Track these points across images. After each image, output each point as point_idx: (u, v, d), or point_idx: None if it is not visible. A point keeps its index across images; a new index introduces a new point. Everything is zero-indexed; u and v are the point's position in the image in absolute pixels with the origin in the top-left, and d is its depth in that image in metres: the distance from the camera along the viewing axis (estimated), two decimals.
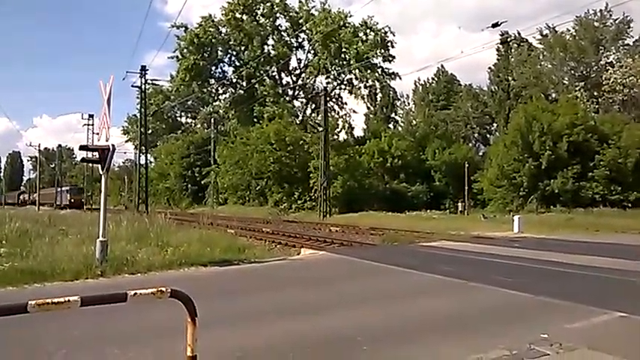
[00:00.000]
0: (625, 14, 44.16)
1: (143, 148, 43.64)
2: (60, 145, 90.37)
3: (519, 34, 49.35)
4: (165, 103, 67.50)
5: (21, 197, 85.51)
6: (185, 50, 59.45)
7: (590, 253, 13.70)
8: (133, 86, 42.31)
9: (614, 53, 45.65)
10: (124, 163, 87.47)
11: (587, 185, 33.68)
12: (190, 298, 2.92)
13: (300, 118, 61.22)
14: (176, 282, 7.43)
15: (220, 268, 11.33)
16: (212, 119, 61.48)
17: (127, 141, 75.51)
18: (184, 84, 60.35)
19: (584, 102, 41.80)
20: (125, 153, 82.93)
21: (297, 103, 64.52)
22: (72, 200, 60.72)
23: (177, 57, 60.11)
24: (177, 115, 77.00)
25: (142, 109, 43.84)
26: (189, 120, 77.59)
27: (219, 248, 12.69)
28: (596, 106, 42.46)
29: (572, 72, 47.14)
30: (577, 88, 43.76)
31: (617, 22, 44.57)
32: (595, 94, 43.19)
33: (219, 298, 8.06)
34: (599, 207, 31.34)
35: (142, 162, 44.35)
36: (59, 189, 68.19)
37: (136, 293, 2.79)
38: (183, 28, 59.75)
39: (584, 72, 46.47)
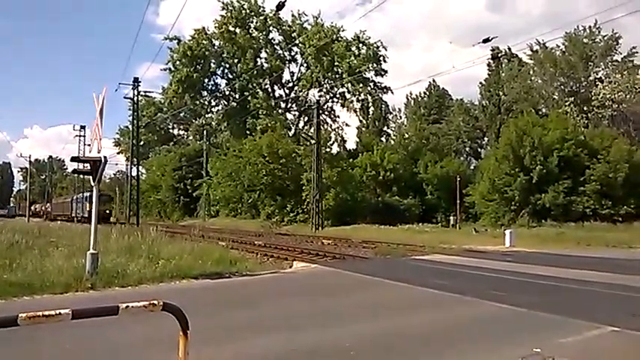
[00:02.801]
0: (614, 31, 44.88)
1: (135, 159, 43.49)
2: (51, 157, 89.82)
3: (510, 49, 49.82)
4: (157, 115, 67.43)
5: (32, 208, 74.71)
6: (178, 62, 59.55)
7: (582, 267, 13.75)
8: (125, 98, 42.31)
9: (603, 69, 46.23)
10: (115, 174, 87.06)
11: (577, 199, 33.89)
12: (182, 311, 2.89)
13: (293, 130, 61.38)
14: (167, 295, 7.37)
15: (212, 281, 11.26)
16: (204, 131, 61.49)
17: (118, 153, 75.42)
18: (177, 96, 60.36)
19: (574, 117, 42.22)
20: (117, 165, 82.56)
21: (289, 116, 64.80)
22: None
23: (169, 69, 60.27)
24: (169, 127, 76.93)
25: (134, 121, 43.78)
26: (181, 132, 77.60)
27: (211, 261, 12.60)
28: (586, 121, 42.87)
29: (562, 87, 47.67)
30: (567, 103, 44.21)
31: (605, 38, 45.20)
32: (585, 109, 43.62)
33: (211, 311, 8.00)
34: (589, 221, 31.50)
35: (134, 174, 44.22)
36: (75, 197, 56.99)
37: (127, 306, 2.77)
38: (176, 41, 59.98)
39: (574, 87, 47.00)
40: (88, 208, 46.45)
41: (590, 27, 45.06)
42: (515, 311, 8.01)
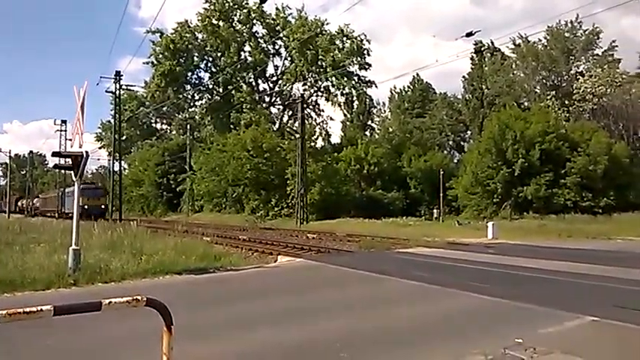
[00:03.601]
0: (595, 25, 45.46)
1: (117, 154, 43.08)
2: (31, 152, 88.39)
3: (492, 43, 50.36)
4: (139, 109, 66.71)
5: (19, 204, 73.88)
6: (160, 56, 58.88)
7: (563, 258, 13.96)
8: (107, 92, 41.82)
9: (584, 63, 46.81)
10: (97, 170, 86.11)
11: (559, 192, 34.33)
12: (166, 306, 2.88)
13: (277, 125, 61.15)
14: (151, 290, 7.33)
15: (196, 277, 11.21)
16: (188, 125, 60.95)
17: (100, 147, 74.45)
18: (159, 90, 59.72)
19: (555, 110, 42.69)
20: (99, 160, 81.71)
21: (274, 110, 64.53)
22: (87, 207, 41.53)
23: (152, 62, 59.52)
24: (152, 121, 76.15)
25: (116, 115, 43.31)
26: (164, 126, 76.83)
27: (195, 256, 12.56)
28: (567, 115, 43.39)
29: (544, 81, 48.17)
30: (549, 97, 44.69)
31: (586, 32, 45.74)
32: (566, 102, 44.15)
33: (195, 306, 7.97)
34: (570, 213, 31.95)
35: (116, 169, 43.78)
36: (65, 190, 50.96)
37: (110, 302, 2.74)
38: (159, 34, 59.27)
39: (556, 81, 47.53)
40: (81, 203, 41.01)
41: (571, 21, 45.64)
42: (497, 302, 8.12)
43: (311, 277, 11.92)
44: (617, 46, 46.28)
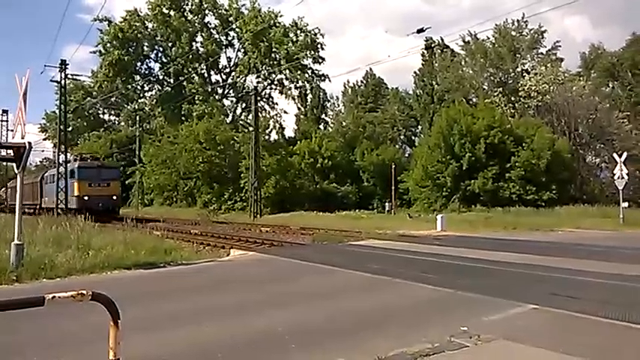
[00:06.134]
0: (540, 25, 47.15)
1: (62, 146, 41.40)
2: None
3: (442, 40, 51.40)
4: (86, 100, 64.35)
5: None
6: (108, 45, 56.95)
7: (507, 249, 14.47)
8: (51, 81, 40.00)
9: (529, 61, 48.41)
10: (41, 162, 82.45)
11: (504, 185, 35.48)
12: (112, 300, 2.85)
13: (231, 117, 60.43)
14: (98, 285, 7.15)
15: (145, 271, 11.02)
16: (137, 117, 59.31)
17: (45, 139, 71.52)
18: (107, 80, 57.82)
19: (501, 106, 44.07)
20: (43, 151, 78.19)
21: (227, 102, 63.64)
22: (86, 197, 30.35)
23: (99, 51, 57.46)
24: (99, 112, 73.55)
25: (62, 106, 41.54)
26: (112, 117, 74.37)
27: (145, 250, 12.34)
28: (513, 111, 44.85)
29: (492, 78, 49.59)
30: (496, 94, 46.06)
31: (532, 31, 47.36)
32: (512, 99, 45.60)
33: (143, 300, 7.86)
34: (515, 206, 33.07)
35: (62, 161, 42.00)
36: (48, 173, 39.43)
37: (54, 297, 2.69)
38: (107, 22, 57.31)
39: (503, 78, 49.00)
40: (77, 192, 31.11)
41: (518, 20, 47.10)
42: (444, 292, 8.37)
43: (263, 271, 11.93)
44: (560, 45, 48.40)
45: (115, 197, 32.87)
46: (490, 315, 6.62)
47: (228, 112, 61.81)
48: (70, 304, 2.78)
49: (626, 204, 26.29)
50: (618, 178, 26.60)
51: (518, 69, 48.10)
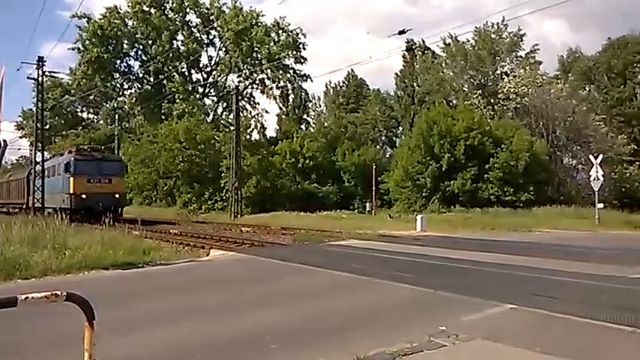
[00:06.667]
0: (519, 28, 47.74)
1: (39, 144, 40.64)
2: None
3: (424, 42, 51.83)
4: (64, 97, 63.25)
5: None
6: (87, 42, 56.09)
7: (486, 250, 14.61)
8: (28, 78, 39.26)
9: (508, 64, 48.97)
10: (18, 160, 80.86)
11: (483, 186, 35.87)
12: (87, 300, 2.79)
13: (212, 116, 60.01)
14: (74, 286, 7.04)
15: (123, 272, 10.88)
16: (116, 115, 58.54)
17: (21, 137, 70.23)
18: (86, 77, 56.94)
19: (481, 108, 44.54)
20: (19, 149, 76.53)
21: (208, 101, 63.16)
22: (84, 195, 27.01)
23: (78, 49, 56.56)
24: (77, 110, 72.35)
25: (39, 103, 40.79)
26: (90, 116, 73.24)
27: (123, 250, 12.17)
28: (492, 113, 45.38)
29: (472, 80, 50.08)
30: (475, 95, 46.53)
31: (511, 35, 47.95)
32: (491, 101, 46.14)
33: (122, 301, 7.75)
34: (494, 207, 33.46)
35: (38, 159, 41.19)
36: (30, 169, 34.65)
37: (27, 297, 2.62)
38: (86, 19, 56.41)
39: (482, 80, 49.52)
40: (72, 189, 26.83)
41: (497, 23, 47.65)
42: (423, 292, 8.42)
43: (243, 271, 11.87)
44: (538, 48, 49.06)
45: (117, 195, 29.17)
46: (469, 315, 6.67)
47: (209, 111, 61.39)
48: (44, 304, 2.72)
49: (601, 205, 26.82)
50: (594, 179, 27.14)
51: (498, 71, 48.66)
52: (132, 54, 61.85)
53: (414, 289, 8.64)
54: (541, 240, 18.85)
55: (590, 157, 29.30)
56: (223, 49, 60.26)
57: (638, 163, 43.91)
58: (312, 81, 58.97)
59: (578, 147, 42.91)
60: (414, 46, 52.32)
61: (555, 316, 6.61)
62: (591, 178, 27.66)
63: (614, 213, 29.23)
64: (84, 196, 26.88)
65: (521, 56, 48.68)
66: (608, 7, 79.17)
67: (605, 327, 6.11)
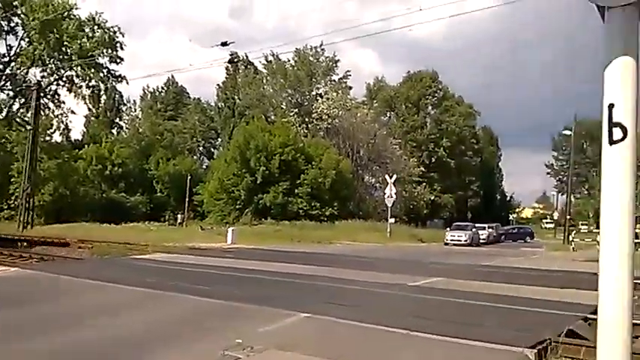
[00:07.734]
0: (334, 53, 51.42)
1: None
2: None
3: (247, 56, 52.61)
4: None
5: None
6: None
7: (289, 261, 15.28)
8: None
9: (323, 86, 52.45)
10: None
11: (293, 200, 37.64)
12: None
13: (5, 112, 52.72)
14: None
15: None
16: None
17: None
18: None
19: (296, 126, 46.81)
20: None
21: (2, 96, 55.37)
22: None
23: None
24: None
25: None
26: None
27: None
28: (306, 131, 47.98)
29: (290, 98, 52.37)
30: (292, 114, 48.77)
31: (327, 59, 51.45)
32: (306, 120, 48.81)
33: None
34: (302, 220, 35.28)
35: None
36: None
37: None
38: None
39: (299, 100, 52.12)
40: None
41: (315, 47, 50.66)
42: (223, 305, 8.38)
43: (24, 289, 10.54)
44: (350, 74, 53.56)
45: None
46: (266, 325, 6.79)
47: (3, 106, 53.88)
48: None
49: (393, 220, 30.08)
50: (388, 196, 30.29)
51: (314, 92, 51.69)
52: None
53: (213, 302, 8.55)
54: (341, 251, 20.35)
55: (386, 176, 32.62)
56: (27, 39, 53.50)
57: (424, 183, 50.39)
58: (127, 83, 55.24)
59: (378, 167, 47.61)
60: (237, 60, 52.77)
61: (342, 323, 7.08)
62: (386, 196, 30.82)
63: (402, 227, 33.02)
64: None
65: (334, 80, 52.48)
66: (410, 45, 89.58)
67: (385, 331, 6.71)
